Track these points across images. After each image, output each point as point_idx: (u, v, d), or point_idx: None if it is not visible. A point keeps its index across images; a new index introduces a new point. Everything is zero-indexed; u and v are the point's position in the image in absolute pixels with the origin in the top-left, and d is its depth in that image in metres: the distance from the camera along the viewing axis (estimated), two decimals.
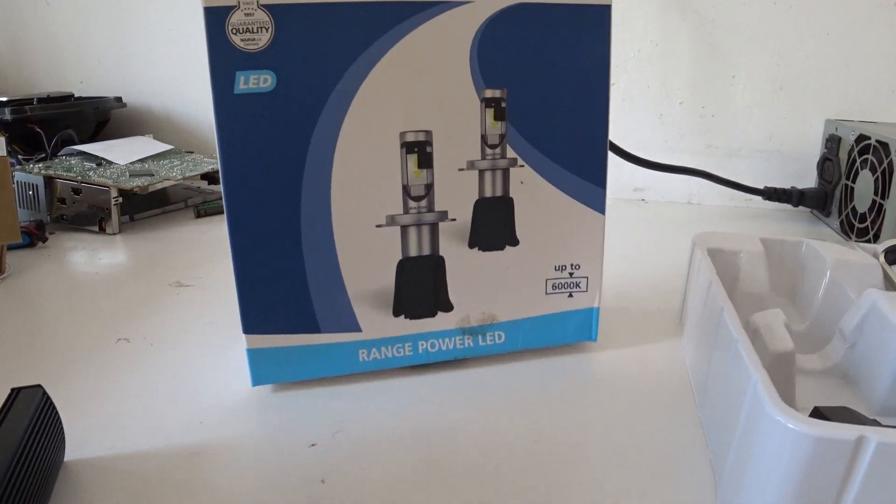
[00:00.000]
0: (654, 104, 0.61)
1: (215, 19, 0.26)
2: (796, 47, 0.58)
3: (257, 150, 0.27)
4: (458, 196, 0.29)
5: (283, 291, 0.29)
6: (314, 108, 0.27)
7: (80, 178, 0.56)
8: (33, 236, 0.52)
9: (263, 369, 0.30)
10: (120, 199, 0.55)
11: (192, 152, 0.67)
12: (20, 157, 0.62)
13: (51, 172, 0.56)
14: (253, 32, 0.26)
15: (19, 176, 0.57)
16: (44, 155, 0.63)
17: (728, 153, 0.61)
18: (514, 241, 0.31)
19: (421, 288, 0.30)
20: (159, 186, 0.56)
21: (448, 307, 0.31)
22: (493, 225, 0.30)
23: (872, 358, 0.29)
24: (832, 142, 0.57)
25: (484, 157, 0.29)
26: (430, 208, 0.29)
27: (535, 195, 0.30)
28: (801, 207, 0.58)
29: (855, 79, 0.58)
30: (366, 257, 0.29)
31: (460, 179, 0.29)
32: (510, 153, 0.29)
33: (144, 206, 0.59)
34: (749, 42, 0.58)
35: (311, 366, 0.30)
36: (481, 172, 0.29)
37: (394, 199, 0.29)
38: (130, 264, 0.49)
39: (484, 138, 0.29)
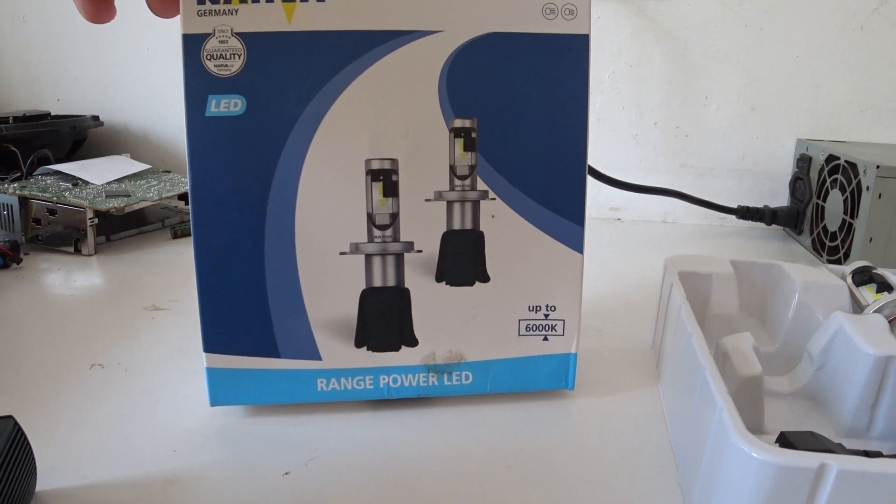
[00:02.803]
0: (629, 125, 0.62)
1: (192, 45, 0.27)
2: (767, 69, 0.59)
3: (225, 171, 0.28)
4: (425, 227, 0.29)
5: (245, 313, 0.29)
6: (282, 133, 0.28)
7: (55, 198, 0.55)
8: (7, 257, 0.52)
9: (221, 390, 0.30)
10: (96, 220, 0.55)
11: (169, 172, 0.66)
12: None
13: (26, 192, 0.56)
14: (226, 59, 0.27)
15: None
16: (19, 174, 0.63)
17: (702, 172, 0.62)
18: (485, 278, 0.30)
19: (385, 320, 0.30)
20: (136, 207, 0.56)
21: (413, 342, 0.30)
22: (462, 259, 0.30)
23: (839, 380, 0.30)
24: (803, 161, 0.58)
25: (452, 188, 0.29)
26: (396, 238, 0.29)
27: (507, 230, 0.30)
28: (774, 226, 0.59)
29: (824, 99, 0.60)
30: (328, 285, 0.29)
31: (427, 210, 0.29)
32: (481, 185, 0.29)
33: (121, 226, 0.58)
34: (721, 63, 0.59)
35: (268, 390, 0.30)
36: (450, 204, 0.29)
37: (358, 227, 0.29)
38: (106, 286, 0.48)
39: (453, 169, 0.29)
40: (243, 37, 0.27)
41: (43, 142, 0.65)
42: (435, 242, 0.30)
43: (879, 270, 0.37)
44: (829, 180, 0.54)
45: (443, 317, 0.30)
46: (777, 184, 0.61)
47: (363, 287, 0.30)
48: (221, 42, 0.27)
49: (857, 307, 0.35)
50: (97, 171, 0.62)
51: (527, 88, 0.29)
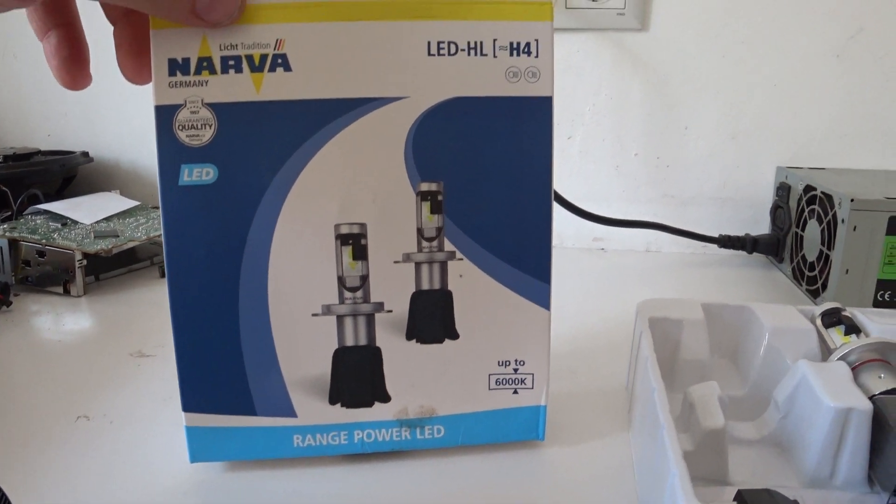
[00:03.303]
0: (610, 156, 0.63)
1: (164, 116, 0.28)
2: (745, 98, 0.60)
3: (200, 237, 0.29)
4: (394, 288, 0.30)
5: (221, 374, 0.30)
6: (253, 200, 0.29)
7: (44, 240, 0.56)
8: None
9: (201, 447, 0.31)
10: (84, 262, 0.56)
11: (157, 208, 0.67)
12: None
13: (15, 235, 0.57)
14: (197, 129, 0.28)
15: None
16: (9, 213, 0.64)
17: (684, 201, 0.63)
18: (454, 335, 0.31)
19: (357, 377, 0.31)
20: (124, 248, 0.57)
21: (385, 398, 0.31)
22: (431, 317, 0.30)
23: (803, 429, 0.31)
24: (783, 189, 0.59)
25: (420, 249, 0.30)
26: (366, 299, 0.30)
27: (474, 289, 0.30)
28: (755, 253, 0.60)
29: (803, 126, 0.61)
30: (302, 345, 0.30)
31: (397, 271, 0.30)
32: (448, 246, 0.30)
33: (110, 265, 0.59)
34: (700, 94, 0.61)
35: (246, 447, 0.31)
36: (418, 265, 0.30)
37: (329, 289, 0.30)
38: (94, 330, 0.49)
39: (420, 231, 0.30)
40: (214, 107, 0.28)
41: (33, 180, 0.66)
42: (405, 302, 0.30)
43: (849, 311, 0.38)
44: (807, 210, 0.55)
45: (414, 373, 0.31)
46: (758, 211, 0.62)
47: (336, 346, 0.30)
48: (192, 113, 0.28)
49: (826, 350, 0.36)
50: (86, 210, 0.63)
51: (492, 150, 0.29)
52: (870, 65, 0.59)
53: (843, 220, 0.49)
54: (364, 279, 0.30)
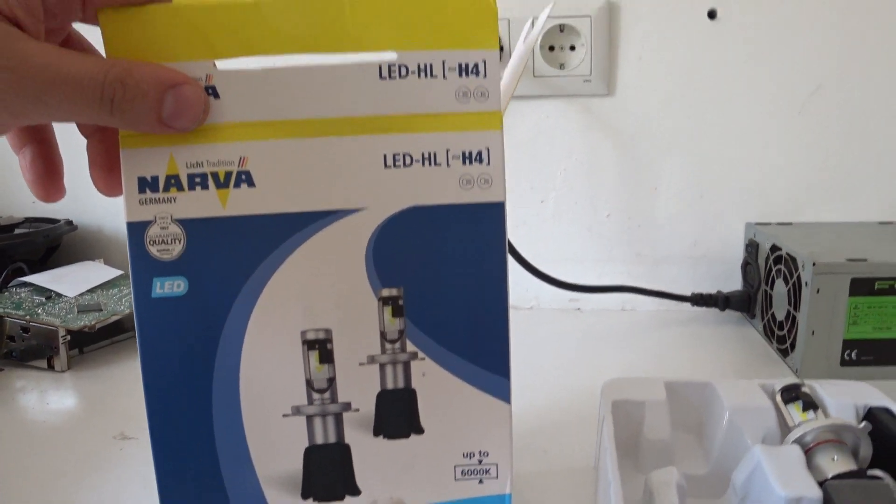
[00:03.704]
0: (583, 218, 0.64)
1: (136, 232, 0.29)
2: (712, 156, 0.62)
3: (173, 345, 0.30)
4: (360, 388, 0.31)
5: (198, 474, 0.31)
6: (223, 309, 0.30)
7: (28, 316, 0.57)
8: None
9: None
10: (68, 337, 0.57)
11: None
12: None
13: (0, 310, 0.58)
14: (168, 244, 0.29)
15: None
16: None
17: (656, 260, 0.65)
18: (419, 430, 0.32)
19: (328, 473, 0.32)
20: (107, 322, 0.58)
21: (356, 491, 0.32)
22: (397, 415, 0.32)
23: None
24: (751, 247, 0.61)
25: (384, 351, 0.31)
26: (334, 399, 0.31)
27: (437, 386, 0.32)
28: (728, 310, 0.62)
29: (770, 181, 0.63)
30: (274, 444, 0.31)
31: (362, 373, 0.31)
32: (410, 347, 0.31)
33: (93, 338, 0.60)
34: (667, 155, 0.63)
35: None
36: (382, 366, 0.31)
37: (299, 391, 0.31)
38: (78, 409, 0.50)
39: (383, 334, 0.31)
40: (183, 223, 0.29)
41: (17, 252, 0.68)
42: (371, 401, 0.32)
43: (809, 385, 0.40)
44: (774, 269, 0.57)
45: (382, 467, 0.32)
46: (730, 266, 0.64)
47: (307, 444, 0.32)
48: (162, 228, 0.29)
49: (786, 427, 0.37)
50: (70, 282, 0.64)
51: (449, 255, 0.31)
52: (831, 120, 0.61)
53: (806, 283, 0.50)
54: (331, 381, 0.31)
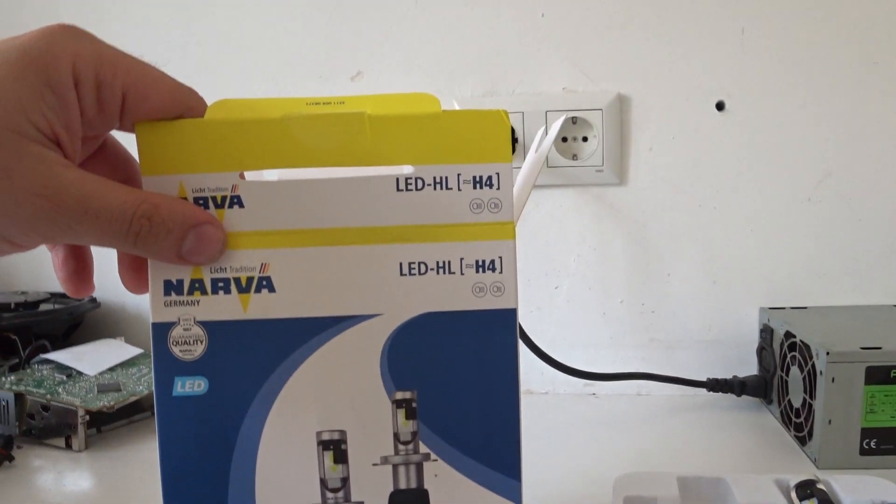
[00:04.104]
0: (597, 304, 0.66)
1: (160, 332, 0.31)
2: (723, 244, 0.64)
3: (192, 443, 0.31)
4: (373, 488, 0.32)
5: None
6: (241, 410, 0.31)
7: (48, 395, 0.59)
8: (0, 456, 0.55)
9: None
10: (87, 417, 0.58)
11: None
12: None
13: (21, 388, 0.60)
14: (190, 345, 0.31)
15: None
16: (17, 361, 0.67)
17: (670, 345, 0.65)
18: None
19: None
20: (126, 403, 0.60)
21: None
22: None
23: None
24: (766, 332, 0.62)
25: (397, 452, 0.32)
26: (347, 499, 0.32)
27: (449, 487, 0.32)
28: (744, 396, 0.62)
29: (782, 267, 0.64)
30: None
31: (375, 473, 0.32)
32: (423, 448, 0.32)
33: (112, 418, 0.61)
34: (679, 242, 0.64)
35: None
36: (395, 467, 0.32)
37: (313, 490, 0.32)
38: (93, 492, 0.51)
39: (396, 436, 0.32)
40: (205, 325, 0.31)
41: (41, 329, 0.70)
42: (384, 501, 0.32)
43: (824, 481, 0.40)
44: (789, 356, 0.57)
45: None
46: (745, 350, 0.64)
47: None
48: (185, 330, 0.31)
49: None
50: (90, 361, 0.66)
51: (462, 359, 0.32)
52: (840, 206, 0.63)
53: (821, 372, 0.51)
54: (345, 481, 0.32)
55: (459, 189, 0.31)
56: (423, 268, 0.31)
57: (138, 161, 0.30)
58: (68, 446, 0.58)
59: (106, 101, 0.27)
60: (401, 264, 0.31)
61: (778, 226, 0.64)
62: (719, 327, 0.65)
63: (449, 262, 0.31)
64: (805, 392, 0.54)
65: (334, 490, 0.32)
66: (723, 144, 0.63)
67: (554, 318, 0.67)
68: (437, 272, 0.31)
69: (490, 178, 0.31)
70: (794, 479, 0.40)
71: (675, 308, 0.65)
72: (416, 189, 0.31)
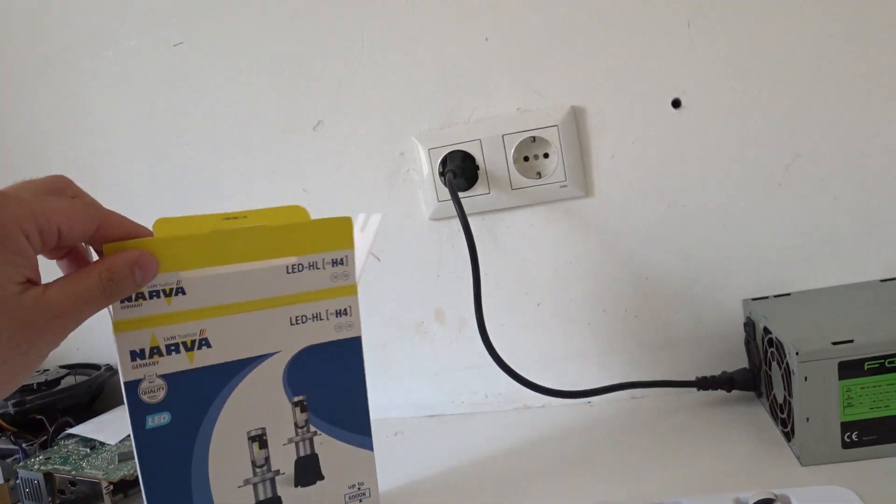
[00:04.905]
0: (580, 315, 0.68)
1: (131, 388, 0.44)
2: (699, 240, 0.65)
3: (163, 459, 0.45)
4: (286, 459, 0.50)
5: None
6: (195, 428, 0.46)
7: (74, 471, 0.65)
8: None
9: None
10: (111, 487, 0.64)
11: None
12: (24, 445, 0.72)
13: (49, 468, 0.65)
14: (154, 392, 0.44)
15: (22, 473, 0.66)
16: (45, 438, 0.73)
17: (658, 346, 0.67)
18: (322, 477, 0.51)
19: None
20: None
21: None
22: (308, 472, 0.51)
23: None
24: (749, 325, 0.63)
25: (297, 434, 0.50)
26: (269, 469, 0.49)
27: (330, 449, 0.51)
28: (735, 391, 0.63)
29: (763, 256, 0.65)
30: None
31: (284, 450, 0.50)
32: (312, 429, 0.51)
33: (135, 483, 0.67)
34: (654, 244, 0.66)
35: None
36: (296, 443, 0.50)
37: (246, 469, 0.48)
38: None
39: (296, 424, 0.50)
40: (164, 377, 0.44)
41: (65, 403, 0.76)
42: (291, 466, 0.50)
43: (780, 499, 0.42)
44: (769, 351, 0.59)
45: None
46: (733, 344, 0.66)
47: (254, 502, 0.49)
48: (150, 382, 0.44)
49: None
50: (112, 429, 0.72)
51: (330, 371, 0.51)
52: (813, 187, 0.63)
53: (794, 372, 0.52)
54: (267, 459, 0.49)
55: (324, 268, 0.49)
56: (304, 319, 0.49)
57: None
58: None
59: (48, 238, 0.38)
60: (290, 318, 0.48)
61: (752, 215, 0.64)
62: (705, 324, 0.66)
63: (320, 314, 0.50)
64: (784, 389, 0.55)
65: (260, 466, 0.49)
66: (685, 142, 0.64)
67: (540, 334, 0.70)
68: (313, 320, 0.49)
69: (342, 259, 0.49)
70: (753, 497, 0.42)
71: (657, 310, 0.67)
72: (299, 271, 0.48)
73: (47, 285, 0.37)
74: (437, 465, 0.62)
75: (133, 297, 0.42)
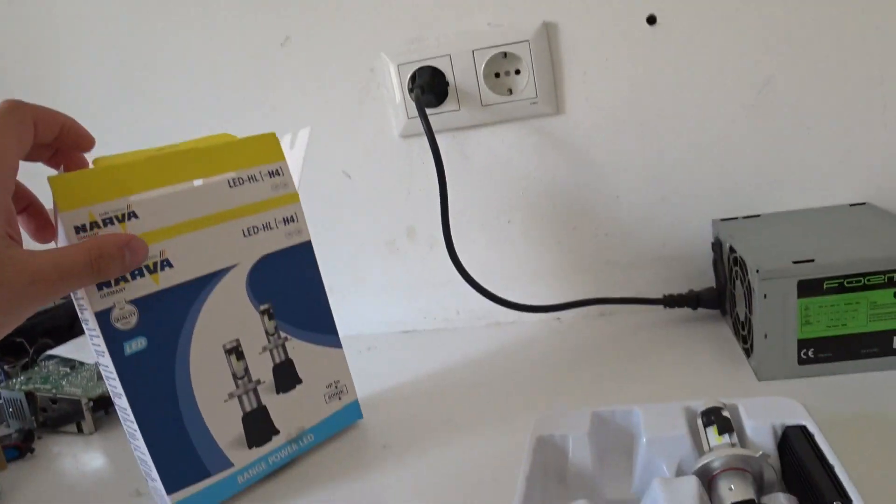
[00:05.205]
0: (550, 233, 0.69)
1: (103, 317, 0.44)
2: (670, 161, 0.65)
3: (145, 378, 0.46)
4: (263, 367, 0.52)
5: (182, 459, 0.48)
6: (173, 348, 0.47)
7: (54, 390, 0.67)
8: (21, 450, 0.64)
9: None
10: (91, 403, 0.66)
11: None
12: (5, 367, 0.74)
13: (31, 387, 0.68)
14: (127, 318, 0.45)
15: (5, 394, 0.68)
16: (27, 360, 0.75)
17: (628, 265, 0.68)
18: (300, 381, 0.54)
19: (258, 427, 0.52)
20: None
21: (276, 432, 0.53)
22: (287, 378, 0.53)
23: None
24: (717, 245, 0.64)
25: (269, 342, 0.52)
26: (250, 380, 0.51)
27: (303, 352, 0.54)
28: (701, 309, 0.65)
29: (732, 178, 0.65)
30: (222, 419, 0.49)
31: (261, 358, 0.52)
32: (283, 335, 0.53)
33: None
34: (624, 164, 0.66)
35: (212, 497, 0.49)
36: (270, 350, 0.52)
37: (229, 382, 0.50)
38: (103, 470, 0.59)
39: (266, 332, 0.52)
40: (133, 302, 0.45)
41: (44, 327, 0.78)
42: (269, 374, 0.52)
43: (730, 407, 0.44)
44: (734, 269, 0.60)
45: (286, 411, 0.53)
46: (702, 263, 0.67)
47: (241, 414, 0.51)
48: (121, 309, 0.44)
49: (699, 449, 0.42)
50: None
51: (289, 277, 0.53)
52: (785, 109, 0.62)
53: (754, 289, 0.54)
54: (246, 370, 0.51)
55: (263, 180, 0.51)
56: (255, 230, 0.51)
57: (53, 205, 0.42)
58: (80, 431, 0.66)
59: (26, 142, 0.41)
60: (242, 230, 0.50)
61: (723, 136, 0.64)
62: (674, 243, 0.67)
63: (269, 223, 0.52)
64: (746, 307, 0.57)
65: (241, 378, 0.51)
66: (659, 60, 0.63)
67: (510, 252, 0.71)
68: (264, 230, 0.52)
69: (277, 170, 0.52)
70: (701, 406, 0.44)
71: (627, 229, 0.68)
72: (240, 184, 0.50)
73: (34, 252, 0.38)
74: (408, 375, 0.65)
75: (88, 227, 0.43)
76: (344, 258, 0.75)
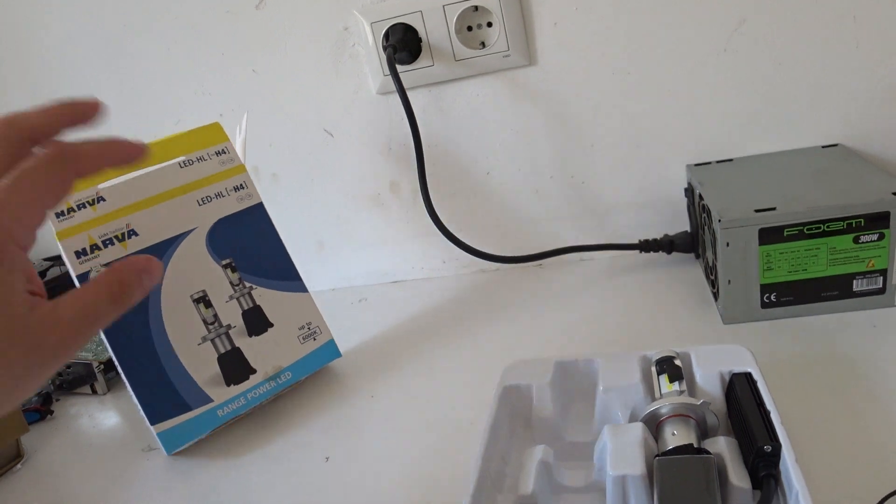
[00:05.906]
0: (528, 183, 0.72)
1: (83, 279, 0.54)
2: (643, 107, 0.67)
3: (126, 327, 0.55)
4: (232, 313, 0.59)
5: (163, 395, 0.56)
6: (144, 302, 0.56)
7: None
8: (42, 412, 0.70)
9: (170, 442, 0.56)
10: (102, 366, 0.72)
11: None
12: None
13: None
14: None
15: None
16: None
17: (605, 211, 0.72)
18: (271, 325, 0.61)
19: (235, 366, 0.59)
20: None
21: (253, 371, 0.60)
22: (257, 322, 0.61)
23: (607, 485, 0.42)
24: (689, 191, 0.67)
25: (235, 291, 0.60)
26: (220, 325, 0.59)
27: (270, 299, 0.61)
28: (675, 253, 0.68)
29: (705, 122, 0.67)
30: (199, 360, 0.57)
31: (229, 306, 0.60)
32: (248, 285, 0.61)
33: None
34: (598, 112, 0.68)
35: (194, 429, 0.57)
36: (238, 299, 0.60)
37: (200, 327, 0.58)
38: (116, 428, 0.65)
39: (231, 283, 0.60)
40: (107, 265, 0.54)
41: (52, 295, 0.82)
42: (240, 319, 0.60)
43: (682, 356, 0.48)
44: (702, 216, 0.63)
45: (261, 352, 0.60)
46: (678, 208, 0.70)
47: (217, 355, 0.58)
48: (97, 272, 0.54)
49: (651, 397, 0.46)
50: None
51: (246, 235, 0.61)
52: (758, 53, 0.64)
53: (717, 237, 0.57)
54: (216, 316, 0.59)
55: (210, 159, 0.60)
56: (209, 198, 0.60)
57: None
58: (94, 392, 0.73)
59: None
60: (197, 200, 0.59)
61: (696, 81, 0.66)
62: (649, 190, 0.70)
63: (221, 192, 0.61)
64: (712, 253, 0.60)
65: (211, 323, 0.59)
66: (631, 7, 0.64)
67: (490, 203, 0.74)
68: (217, 198, 0.60)
69: (223, 150, 0.62)
70: (656, 355, 0.48)
71: (603, 176, 0.70)
72: (190, 165, 0.60)
73: (56, 302, 0.35)
74: (394, 322, 0.71)
75: (65, 210, 0.52)
76: (332, 214, 0.79)
